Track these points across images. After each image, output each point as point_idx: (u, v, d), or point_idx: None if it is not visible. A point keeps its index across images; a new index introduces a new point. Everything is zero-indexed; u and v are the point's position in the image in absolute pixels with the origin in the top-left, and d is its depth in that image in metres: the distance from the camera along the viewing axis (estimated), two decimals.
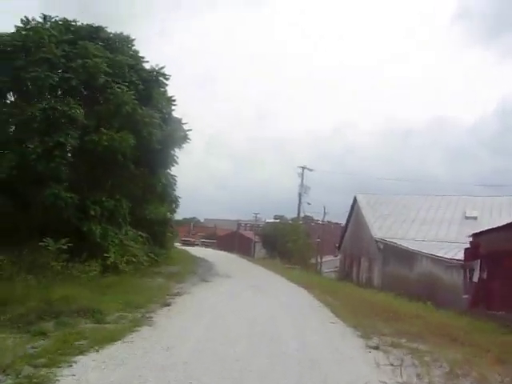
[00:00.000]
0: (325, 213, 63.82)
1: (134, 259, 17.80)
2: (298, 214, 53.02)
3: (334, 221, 69.26)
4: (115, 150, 17.16)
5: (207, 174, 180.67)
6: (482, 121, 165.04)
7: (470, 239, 17.28)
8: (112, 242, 17.40)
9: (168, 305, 12.30)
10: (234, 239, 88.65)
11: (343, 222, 44.52)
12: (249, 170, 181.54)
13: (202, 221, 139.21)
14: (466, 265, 17.03)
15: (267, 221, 69.70)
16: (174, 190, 36.38)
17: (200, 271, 24.49)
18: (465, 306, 15.74)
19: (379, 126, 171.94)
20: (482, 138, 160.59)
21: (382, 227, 30.61)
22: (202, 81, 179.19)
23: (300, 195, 53.84)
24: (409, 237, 28.14)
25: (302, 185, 54.14)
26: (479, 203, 32.88)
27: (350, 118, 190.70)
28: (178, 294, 14.59)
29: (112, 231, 17.59)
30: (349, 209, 40.34)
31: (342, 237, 44.54)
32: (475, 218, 30.31)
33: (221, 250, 77.78)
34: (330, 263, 60.20)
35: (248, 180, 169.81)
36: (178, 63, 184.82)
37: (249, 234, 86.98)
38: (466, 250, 17.00)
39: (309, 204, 54.60)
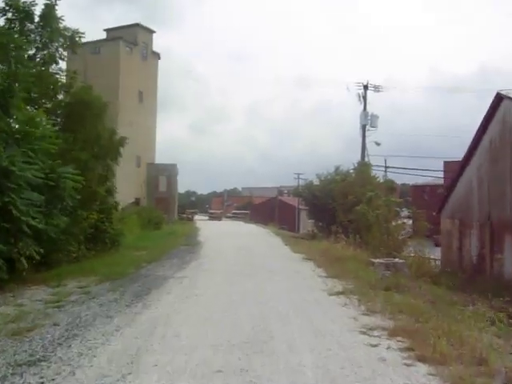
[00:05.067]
0: (386, 167, 42.82)
1: None
2: (363, 159, 32.67)
3: None
4: None
5: (248, 145, 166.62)
6: None
7: None
8: None
9: None
10: (273, 209, 69.67)
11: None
12: (292, 137, 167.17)
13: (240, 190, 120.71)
14: None
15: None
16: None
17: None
18: None
19: (424, 81, 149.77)
20: None
21: None
22: (240, 54, 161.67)
23: (364, 129, 33.44)
24: None
25: (364, 112, 33.67)
26: None
27: (395, 75, 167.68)
28: None
29: None
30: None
31: (448, 192, 24.18)
32: None
33: (255, 223, 59.82)
34: None
35: (291, 148, 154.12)
36: (216, 38, 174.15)
37: (292, 200, 67.38)
38: None
39: (378, 145, 34.01)
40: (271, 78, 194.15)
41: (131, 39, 49.54)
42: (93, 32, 32.37)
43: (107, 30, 50.99)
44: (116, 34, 48.85)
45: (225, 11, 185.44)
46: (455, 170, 38.29)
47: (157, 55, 53.91)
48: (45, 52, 15.41)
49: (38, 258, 10.35)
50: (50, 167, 10.99)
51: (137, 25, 50.87)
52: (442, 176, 39.09)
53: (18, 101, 9.79)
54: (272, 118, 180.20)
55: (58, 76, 15.94)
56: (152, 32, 53.11)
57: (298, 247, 19.93)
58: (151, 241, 22.60)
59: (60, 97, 15.74)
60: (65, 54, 16.47)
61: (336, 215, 25.46)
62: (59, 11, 15.17)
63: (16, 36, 12.62)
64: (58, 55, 15.80)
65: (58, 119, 16.10)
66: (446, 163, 37.66)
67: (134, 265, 13.38)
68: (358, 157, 31.95)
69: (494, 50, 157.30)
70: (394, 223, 23.10)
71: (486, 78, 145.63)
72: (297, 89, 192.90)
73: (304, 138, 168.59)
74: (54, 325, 6.44)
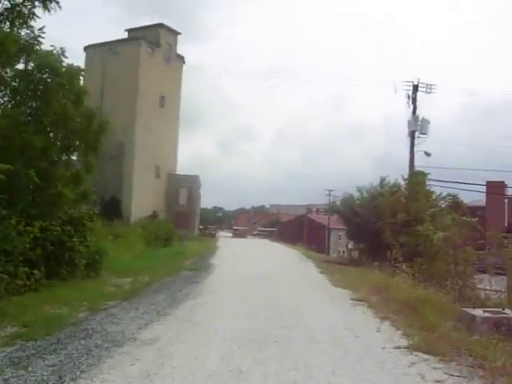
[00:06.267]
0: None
1: None
2: (411, 169, 27.48)
3: None
4: None
5: (278, 165, 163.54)
6: None
7: None
8: None
9: None
10: (301, 227, 64.46)
11: None
12: (325, 156, 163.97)
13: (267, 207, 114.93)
14: None
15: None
16: None
17: None
18: None
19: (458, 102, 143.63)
20: None
21: None
22: (270, 73, 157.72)
23: (413, 135, 28.40)
24: None
25: (414, 116, 28.63)
26: None
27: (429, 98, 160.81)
28: None
29: None
30: None
31: None
32: None
33: (281, 241, 54.77)
34: None
35: (325, 169, 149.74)
36: (247, 56, 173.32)
37: (322, 219, 62.12)
38: None
39: (428, 155, 28.71)
40: (305, 96, 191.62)
41: (154, 40, 45.75)
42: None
43: (129, 31, 47.34)
44: (138, 34, 45.29)
45: (258, 28, 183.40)
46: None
47: (181, 58, 49.54)
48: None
49: None
50: None
51: (160, 25, 46.89)
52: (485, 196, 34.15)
53: None
54: (304, 136, 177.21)
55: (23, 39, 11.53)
56: (177, 33, 48.88)
57: (339, 278, 14.88)
58: (151, 262, 18.00)
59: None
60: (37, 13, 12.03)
61: (383, 237, 20.26)
62: None
63: None
64: (27, 14, 11.39)
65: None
66: (489, 183, 32.50)
67: (93, 303, 8.73)
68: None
69: None
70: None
71: None
72: (332, 107, 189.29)
73: (338, 157, 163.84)
74: None
